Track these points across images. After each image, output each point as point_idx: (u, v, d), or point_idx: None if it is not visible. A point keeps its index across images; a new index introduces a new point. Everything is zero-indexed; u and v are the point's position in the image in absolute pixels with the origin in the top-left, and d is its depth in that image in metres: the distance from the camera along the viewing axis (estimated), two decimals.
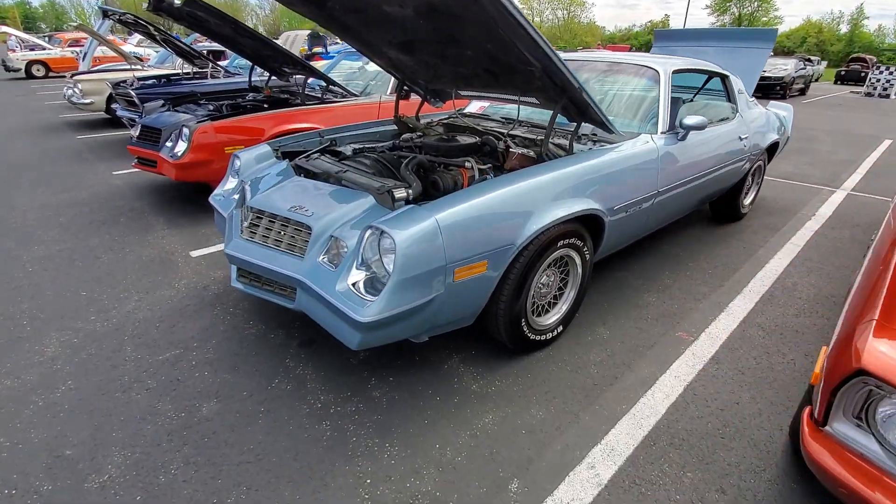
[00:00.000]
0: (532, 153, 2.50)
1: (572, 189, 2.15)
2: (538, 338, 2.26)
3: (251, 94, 5.05)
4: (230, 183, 2.78)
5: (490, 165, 2.50)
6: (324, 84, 4.57)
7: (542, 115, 3.11)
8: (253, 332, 2.43)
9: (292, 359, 2.24)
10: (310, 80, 5.54)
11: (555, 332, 2.34)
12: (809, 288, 3.00)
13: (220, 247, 3.41)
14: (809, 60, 19.66)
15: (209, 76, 6.44)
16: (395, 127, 3.26)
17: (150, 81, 6.43)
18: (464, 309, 1.92)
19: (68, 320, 2.52)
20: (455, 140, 2.69)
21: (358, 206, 1.96)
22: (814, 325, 2.61)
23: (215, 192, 2.76)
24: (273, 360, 2.22)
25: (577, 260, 2.34)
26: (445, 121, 3.35)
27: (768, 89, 15.61)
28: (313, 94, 4.77)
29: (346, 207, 1.96)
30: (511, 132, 2.84)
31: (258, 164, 2.68)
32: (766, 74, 15.35)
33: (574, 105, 2.34)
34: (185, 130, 3.69)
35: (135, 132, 4.25)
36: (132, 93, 5.67)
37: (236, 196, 2.57)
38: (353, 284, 1.73)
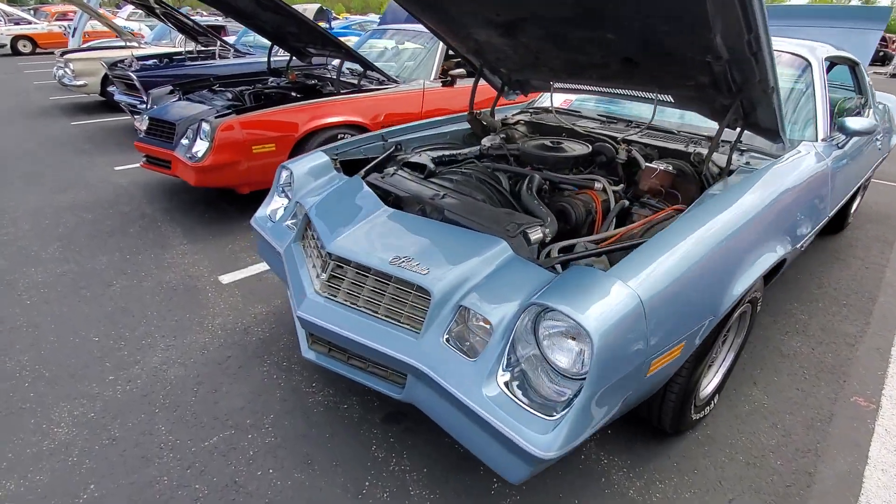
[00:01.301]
0: (671, 168, 1.95)
1: (770, 225, 1.60)
2: (699, 416, 1.75)
3: (272, 78, 4.40)
4: (277, 202, 2.21)
5: (622, 187, 1.94)
6: (359, 68, 3.93)
7: (660, 114, 2.54)
8: (319, 401, 1.90)
9: (379, 445, 1.71)
10: (335, 64, 4.91)
11: (712, 406, 1.83)
12: None
13: (256, 269, 2.85)
14: None
15: (217, 56, 5.74)
16: (468, 125, 2.68)
17: (150, 62, 5.73)
18: (635, 402, 1.40)
19: (80, 381, 1.98)
20: (562, 148, 2.13)
21: (486, 258, 1.40)
22: None
23: (259, 213, 2.19)
24: (355, 448, 1.70)
25: (749, 313, 1.81)
26: (527, 118, 2.77)
27: None
28: (346, 79, 4.14)
29: (470, 260, 1.40)
30: (628, 137, 2.27)
31: (315, 178, 2.10)
32: None
33: (744, 107, 1.78)
34: (206, 127, 3.08)
35: (141, 125, 3.63)
36: (132, 75, 5.00)
37: (291, 223, 2.01)
38: (506, 384, 1.20)
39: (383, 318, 1.42)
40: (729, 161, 1.90)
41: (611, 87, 2.15)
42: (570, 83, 2.29)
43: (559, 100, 2.94)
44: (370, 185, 1.92)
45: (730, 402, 1.94)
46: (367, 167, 2.17)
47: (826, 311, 2.59)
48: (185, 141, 3.28)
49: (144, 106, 4.99)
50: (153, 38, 7.95)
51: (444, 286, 1.34)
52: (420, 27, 4.82)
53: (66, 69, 6.52)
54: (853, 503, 1.55)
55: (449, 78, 4.12)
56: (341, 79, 3.85)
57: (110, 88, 6.10)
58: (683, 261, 1.27)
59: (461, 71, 4.11)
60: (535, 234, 1.50)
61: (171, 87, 4.10)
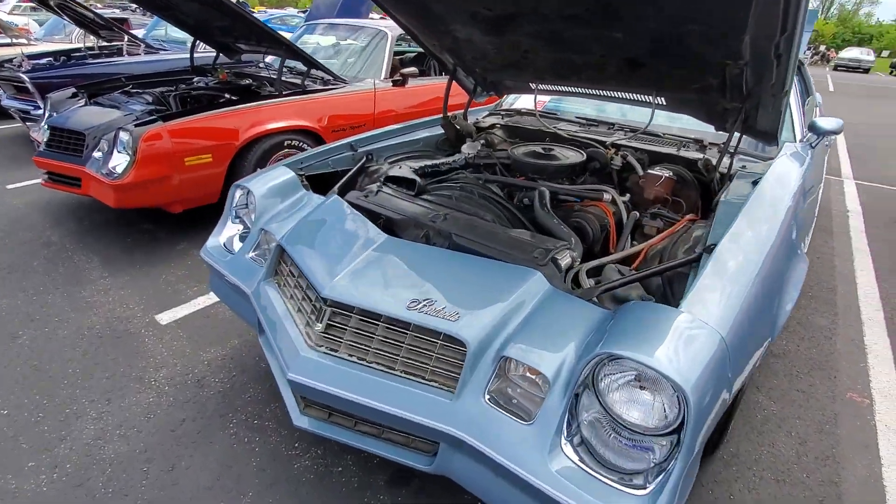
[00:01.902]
0: (671, 174, 1.85)
1: (793, 230, 1.53)
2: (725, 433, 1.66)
3: (197, 78, 3.87)
4: (232, 228, 1.86)
5: (628, 197, 1.81)
6: (301, 66, 3.54)
7: (638, 116, 2.46)
8: (307, 467, 1.59)
9: None
10: (269, 61, 4.47)
11: (732, 420, 1.75)
12: None
13: (201, 302, 2.43)
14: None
15: (124, 52, 5.02)
16: (440, 130, 2.45)
17: (44, 61, 4.88)
18: None
19: None
20: (555, 156, 1.97)
21: (521, 294, 1.19)
22: None
23: (210, 242, 1.83)
24: None
25: None
26: (501, 121, 2.59)
27: None
28: (287, 79, 3.73)
29: (503, 298, 1.18)
30: (618, 142, 2.16)
31: (280, 199, 1.78)
32: None
33: (748, 112, 1.71)
34: (125, 136, 2.59)
35: (39, 136, 3.02)
36: (24, 77, 4.21)
37: (254, 255, 1.68)
38: (575, 451, 1.00)
39: (402, 375, 1.17)
40: (730, 166, 1.84)
41: (601, 89, 2.02)
42: (556, 84, 2.13)
43: (528, 101, 2.80)
44: (353, 205, 1.64)
45: (742, 412, 1.89)
46: (341, 183, 1.88)
47: (798, 306, 2.66)
48: (97, 154, 2.75)
49: (41, 112, 4.25)
50: (44, 34, 6.87)
51: (479, 334, 1.11)
52: (360, 22, 4.51)
53: None
54: None
55: (400, 77, 3.85)
56: (283, 79, 3.44)
57: None
58: (745, 284, 1.15)
59: (413, 70, 3.86)
60: (565, 260, 1.32)
61: (73, 90, 3.46)
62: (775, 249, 1.33)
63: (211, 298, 2.47)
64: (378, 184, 1.76)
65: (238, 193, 1.84)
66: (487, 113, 2.78)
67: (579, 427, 1.02)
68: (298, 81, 3.49)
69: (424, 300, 1.18)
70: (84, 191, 2.82)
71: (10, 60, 4.90)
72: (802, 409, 1.93)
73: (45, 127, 2.93)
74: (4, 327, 2.20)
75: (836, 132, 2.23)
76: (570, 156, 1.97)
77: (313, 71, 3.50)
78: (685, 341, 0.97)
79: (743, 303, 1.10)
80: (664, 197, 1.80)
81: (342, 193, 1.75)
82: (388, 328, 1.20)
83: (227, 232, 1.85)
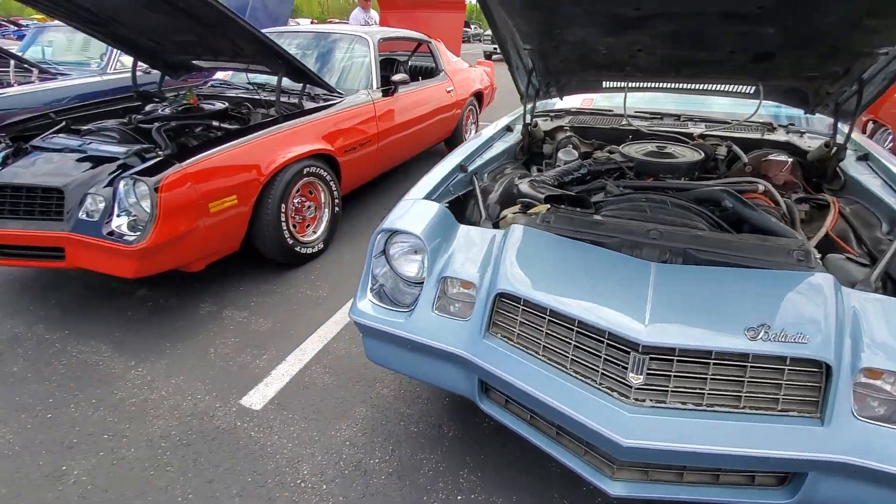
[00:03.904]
0: (789, 157, 1.97)
1: None
2: None
3: (151, 105, 3.20)
4: (375, 282, 1.57)
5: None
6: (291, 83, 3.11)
7: (692, 105, 2.57)
8: None
9: None
10: (216, 78, 3.89)
11: None
12: None
13: (285, 372, 2.03)
14: None
15: (12, 81, 3.98)
16: (508, 137, 2.33)
17: None
18: None
19: None
20: (673, 154, 1.97)
21: (826, 299, 1.15)
22: None
23: (361, 303, 1.53)
24: None
25: None
26: (565, 123, 2.54)
27: None
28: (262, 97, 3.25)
29: (821, 308, 1.13)
30: (707, 132, 2.23)
31: (443, 238, 1.53)
32: None
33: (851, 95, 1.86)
34: (142, 187, 2.05)
35: None
36: None
37: (441, 313, 1.43)
38: None
39: (749, 411, 1.08)
40: (844, 146, 1.96)
41: (699, 83, 2.07)
42: (648, 81, 2.14)
43: (578, 100, 2.78)
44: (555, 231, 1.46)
45: None
46: (485, 207, 1.70)
47: None
48: (86, 215, 2.14)
49: None
50: None
51: (836, 352, 1.06)
52: (334, 28, 4.09)
53: None
54: None
55: (392, 86, 3.59)
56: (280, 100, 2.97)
57: None
58: None
59: (405, 76, 3.62)
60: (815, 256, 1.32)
61: None
62: None
63: (294, 366, 2.08)
64: (549, 207, 1.60)
65: (380, 239, 1.55)
66: (541, 118, 2.68)
67: None
68: (296, 100, 3.06)
69: (759, 326, 1.09)
70: (70, 263, 2.18)
71: None
72: None
73: None
74: (30, 464, 1.62)
75: None
76: (687, 152, 1.99)
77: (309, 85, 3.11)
78: None
79: None
80: (792, 181, 1.89)
81: (498, 221, 1.57)
82: (720, 364, 1.10)
83: (375, 284, 1.56)
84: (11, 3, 44.08)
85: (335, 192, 3.04)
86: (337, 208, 3.10)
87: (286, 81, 2.93)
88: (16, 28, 18.74)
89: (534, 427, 1.30)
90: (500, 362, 1.28)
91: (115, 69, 4.41)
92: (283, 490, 1.55)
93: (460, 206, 1.91)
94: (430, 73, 4.77)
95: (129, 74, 4.40)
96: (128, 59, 4.44)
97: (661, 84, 2.16)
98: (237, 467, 1.62)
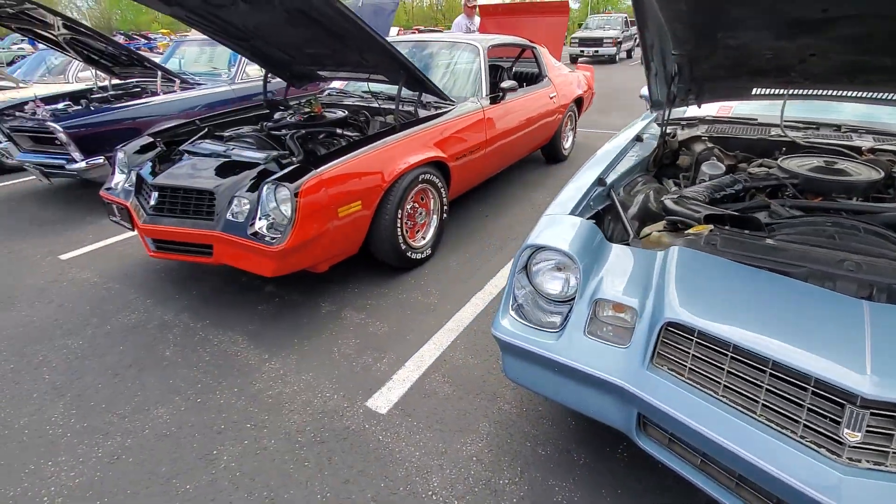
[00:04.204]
0: None
1: None
2: None
3: (279, 114, 3.44)
4: (514, 298, 1.52)
5: None
6: (409, 92, 3.18)
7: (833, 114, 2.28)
8: None
9: None
10: (333, 87, 4.09)
11: None
12: None
13: (405, 378, 2.06)
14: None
15: (158, 91, 4.47)
16: (642, 149, 2.19)
17: (60, 105, 4.30)
18: None
19: None
20: (845, 171, 1.74)
21: None
22: None
23: (504, 319, 1.49)
24: None
25: None
26: (701, 133, 2.35)
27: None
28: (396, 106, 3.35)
29: None
30: (880, 146, 1.95)
31: (594, 256, 1.45)
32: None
33: None
34: (284, 192, 2.19)
35: (144, 200, 2.56)
36: (55, 126, 3.64)
37: (603, 341, 1.35)
38: None
39: None
40: None
41: (873, 91, 1.81)
42: (812, 88, 1.92)
43: (714, 108, 2.57)
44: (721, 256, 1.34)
45: None
46: (632, 223, 1.60)
47: None
48: (232, 216, 2.32)
49: (83, 164, 3.72)
50: (24, 74, 6.14)
51: None
52: (449, 37, 4.14)
53: None
54: None
55: (500, 93, 3.56)
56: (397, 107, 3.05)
57: None
58: None
59: (513, 83, 3.57)
60: None
61: (148, 140, 2.98)
62: None
63: (413, 372, 2.10)
64: (712, 228, 1.47)
65: (525, 255, 1.51)
66: (675, 127, 2.51)
67: None
68: (412, 109, 3.13)
69: None
70: (216, 259, 2.38)
71: (17, 106, 4.29)
72: None
73: (152, 187, 2.46)
74: (185, 445, 1.77)
75: None
76: (862, 169, 1.75)
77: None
78: None
79: None
80: None
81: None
82: None
83: (519, 300, 1.52)
84: (140, 19, 50.04)
85: (444, 199, 3.07)
86: (445, 215, 3.12)
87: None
88: (145, 41, 21.38)
89: (704, 473, 1.19)
90: (668, 397, 1.18)
91: (241, 79, 4.80)
92: (415, 500, 1.55)
93: (597, 221, 1.83)
94: (531, 78, 4.69)
95: (253, 84, 4.80)
96: (251, 70, 4.84)
97: (826, 92, 1.93)
98: (369, 470, 1.66)
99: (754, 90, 2.11)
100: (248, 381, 2.08)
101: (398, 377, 2.08)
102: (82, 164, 3.72)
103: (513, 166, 4.48)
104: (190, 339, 2.38)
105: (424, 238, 3.03)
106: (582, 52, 16.19)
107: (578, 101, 5.22)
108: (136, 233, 2.77)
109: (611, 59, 16.17)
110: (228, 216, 2.32)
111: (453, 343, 2.31)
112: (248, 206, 2.29)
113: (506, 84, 3.54)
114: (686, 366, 1.21)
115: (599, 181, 1.84)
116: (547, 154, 5.03)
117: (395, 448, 1.74)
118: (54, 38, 4.28)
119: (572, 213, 1.61)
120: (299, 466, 1.68)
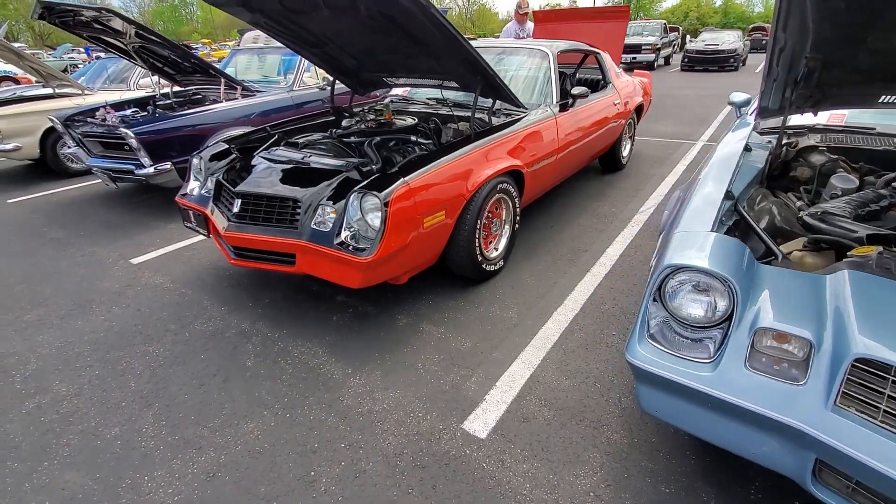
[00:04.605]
0: None
1: None
2: None
3: (347, 121, 3.40)
4: (652, 326, 1.39)
5: None
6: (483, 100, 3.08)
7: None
8: None
9: None
10: (395, 93, 4.04)
11: None
12: None
13: (498, 400, 1.94)
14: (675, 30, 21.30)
15: (221, 98, 4.53)
16: (742, 158, 2.03)
17: (128, 112, 4.40)
18: None
19: None
20: None
21: None
22: None
23: (644, 348, 1.36)
24: None
25: None
26: (815, 142, 2.18)
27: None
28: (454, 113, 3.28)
29: None
30: None
31: (751, 282, 1.32)
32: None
33: None
34: (373, 201, 2.12)
35: (224, 207, 2.54)
36: (127, 132, 3.70)
37: (750, 367, 1.21)
38: None
39: None
40: None
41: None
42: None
43: (825, 117, 2.39)
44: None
45: None
46: (772, 243, 1.45)
47: None
48: (316, 226, 2.26)
49: (152, 170, 3.77)
50: (87, 81, 6.35)
51: None
52: (517, 43, 4.06)
53: None
54: None
55: (570, 99, 3.44)
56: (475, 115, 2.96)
57: (69, 149, 4.61)
58: None
59: (584, 89, 3.45)
60: None
61: (223, 146, 2.98)
62: None
63: (507, 394, 1.99)
64: (881, 250, 1.32)
65: (662, 275, 1.38)
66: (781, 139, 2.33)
67: None
68: (485, 117, 3.03)
69: None
70: (298, 269, 2.32)
71: (87, 113, 4.40)
72: None
73: (235, 195, 2.43)
74: (281, 464, 1.69)
75: None
76: None
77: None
78: None
79: None
80: None
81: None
82: None
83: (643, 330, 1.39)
84: (181, 29, 52.05)
85: (517, 208, 2.96)
86: (517, 224, 3.02)
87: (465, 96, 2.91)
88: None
89: None
90: (859, 443, 1.04)
91: (298, 86, 4.82)
92: None
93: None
94: (593, 84, 4.56)
95: (309, 92, 4.80)
96: (307, 78, 4.85)
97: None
98: (466, 498, 1.55)
99: (882, 97, 1.93)
100: (335, 397, 2.01)
101: (491, 398, 1.97)
102: (151, 170, 3.76)
103: (570, 177, 4.35)
104: (269, 349, 2.32)
105: (497, 249, 2.93)
106: (634, 58, 15.92)
107: (638, 109, 5.06)
108: (210, 238, 2.77)
109: (649, 66, 15.85)
110: (313, 225, 2.27)
111: (543, 362, 2.18)
112: (332, 216, 2.23)
113: (577, 90, 3.42)
114: (880, 407, 1.06)
115: (728, 195, 1.70)
116: (604, 163, 4.88)
117: (503, 478, 1.62)
118: (123, 46, 4.40)
119: (711, 229, 1.47)
120: (403, 494, 1.58)
